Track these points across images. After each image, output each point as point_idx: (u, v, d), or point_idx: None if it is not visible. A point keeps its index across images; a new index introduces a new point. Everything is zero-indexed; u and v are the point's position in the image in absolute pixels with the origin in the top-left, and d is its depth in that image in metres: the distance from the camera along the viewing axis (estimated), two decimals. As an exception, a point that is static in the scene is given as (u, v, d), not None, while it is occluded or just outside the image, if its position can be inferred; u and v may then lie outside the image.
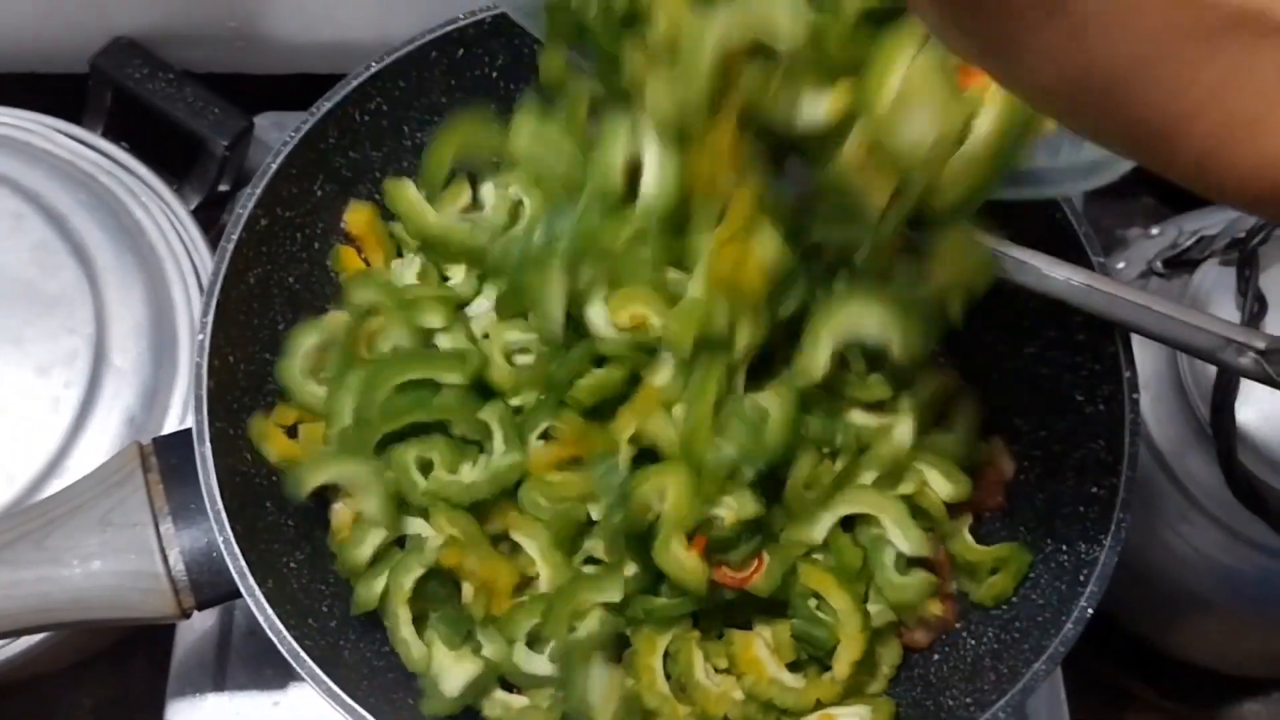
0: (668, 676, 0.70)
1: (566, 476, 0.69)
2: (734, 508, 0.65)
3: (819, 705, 0.70)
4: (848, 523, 0.72)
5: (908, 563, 0.72)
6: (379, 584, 0.69)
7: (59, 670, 0.98)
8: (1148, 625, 1.01)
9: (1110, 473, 0.70)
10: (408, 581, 0.69)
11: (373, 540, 0.69)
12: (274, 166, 0.73)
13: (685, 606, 0.68)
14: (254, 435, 0.71)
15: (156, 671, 0.87)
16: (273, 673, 0.84)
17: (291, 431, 0.74)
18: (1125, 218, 1.28)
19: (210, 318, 0.69)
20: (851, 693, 0.70)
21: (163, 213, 0.94)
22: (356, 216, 0.79)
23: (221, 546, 0.65)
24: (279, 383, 0.74)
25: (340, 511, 0.73)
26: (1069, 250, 0.75)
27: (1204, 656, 1.02)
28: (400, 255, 0.79)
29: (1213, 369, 0.88)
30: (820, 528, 0.71)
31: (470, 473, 0.71)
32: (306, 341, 0.74)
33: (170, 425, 0.86)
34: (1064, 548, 0.72)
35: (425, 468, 0.71)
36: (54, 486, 0.80)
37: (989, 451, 0.78)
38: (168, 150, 0.97)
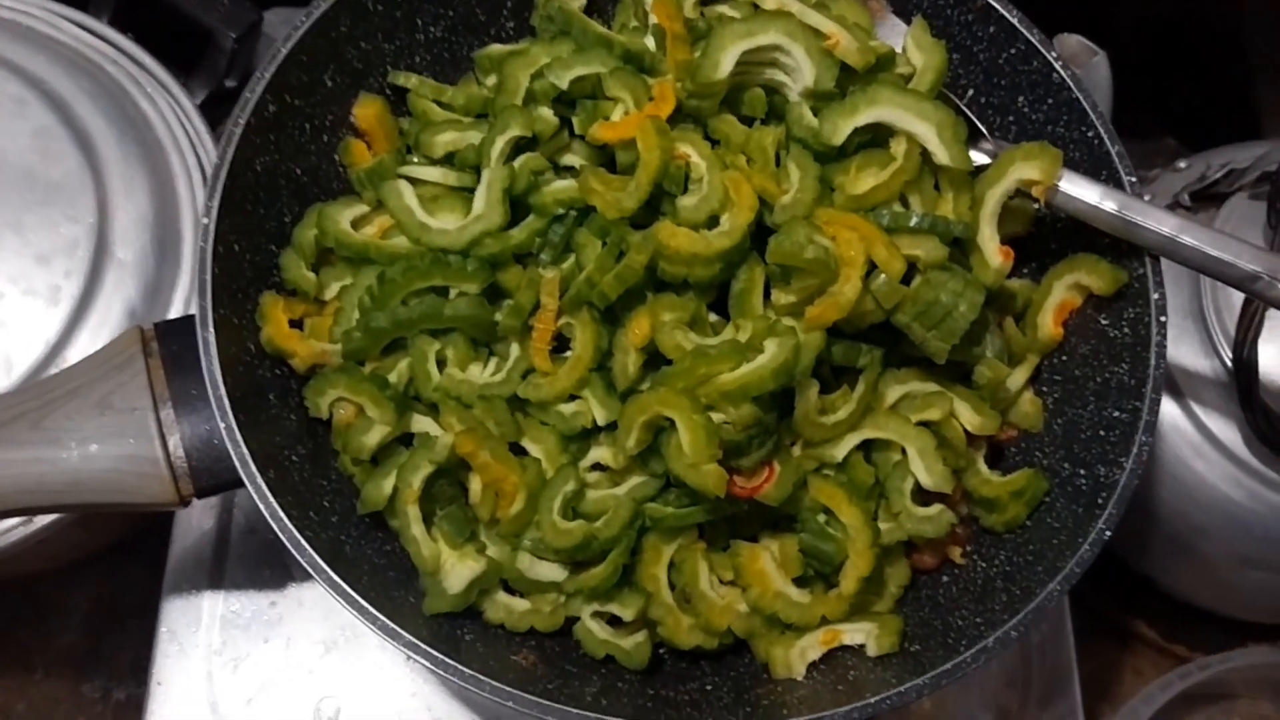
0: (672, 586, 0.68)
1: (559, 368, 0.67)
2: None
3: (824, 621, 0.69)
4: (864, 444, 0.70)
5: (923, 493, 0.70)
6: (388, 483, 0.68)
7: (52, 570, 0.97)
8: (1154, 564, 1.00)
9: (1134, 396, 0.69)
10: (416, 480, 0.67)
11: (377, 433, 0.68)
12: (284, 51, 0.71)
13: (696, 516, 0.67)
14: (261, 312, 0.69)
15: (151, 574, 0.86)
16: (270, 573, 0.83)
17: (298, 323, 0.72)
18: (1146, 159, 1.26)
19: (216, 202, 0.67)
20: (858, 610, 0.69)
21: (169, 105, 0.91)
22: (366, 110, 0.76)
23: (223, 434, 0.63)
24: (283, 275, 0.72)
25: (343, 409, 0.71)
26: (1100, 170, 0.73)
27: (1208, 598, 1.01)
28: (409, 151, 0.77)
29: (1237, 304, 0.86)
30: (842, 448, 0.69)
31: (481, 374, 0.69)
32: (312, 233, 0.71)
33: (172, 321, 0.85)
34: (1081, 472, 0.70)
35: (441, 362, 0.69)
36: (52, 377, 0.79)
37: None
38: (175, 42, 0.94)
